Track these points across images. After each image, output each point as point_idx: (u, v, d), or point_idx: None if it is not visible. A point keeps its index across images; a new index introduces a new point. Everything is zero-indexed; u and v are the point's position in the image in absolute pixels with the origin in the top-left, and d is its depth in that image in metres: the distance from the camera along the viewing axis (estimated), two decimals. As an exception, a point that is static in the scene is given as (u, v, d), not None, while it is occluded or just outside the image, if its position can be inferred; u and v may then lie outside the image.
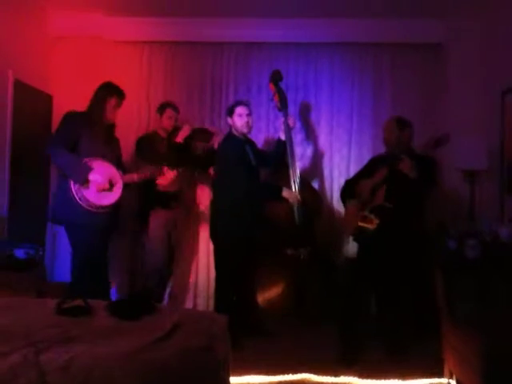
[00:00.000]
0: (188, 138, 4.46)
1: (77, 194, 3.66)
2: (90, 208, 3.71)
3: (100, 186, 3.71)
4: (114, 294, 4.81)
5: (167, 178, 4.04)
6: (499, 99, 4.48)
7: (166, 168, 4.01)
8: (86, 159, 3.74)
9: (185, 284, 5.01)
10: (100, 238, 3.87)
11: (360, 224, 3.77)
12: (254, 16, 4.96)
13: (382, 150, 4.30)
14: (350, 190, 4.07)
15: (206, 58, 5.17)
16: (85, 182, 3.67)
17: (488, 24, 4.74)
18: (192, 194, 5.02)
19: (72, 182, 3.67)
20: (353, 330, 3.84)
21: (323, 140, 5.11)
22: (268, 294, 4.34)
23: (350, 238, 4.49)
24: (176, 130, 4.54)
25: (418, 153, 3.90)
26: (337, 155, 5.09)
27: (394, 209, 3.70)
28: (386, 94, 5.07)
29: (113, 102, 3.92)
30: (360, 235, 3.89)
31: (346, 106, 5.10)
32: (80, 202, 3.67)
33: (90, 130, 3.82)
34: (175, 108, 4.60)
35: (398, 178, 3.67)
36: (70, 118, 3.83)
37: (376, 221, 3.70)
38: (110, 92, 3.93)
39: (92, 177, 3.68)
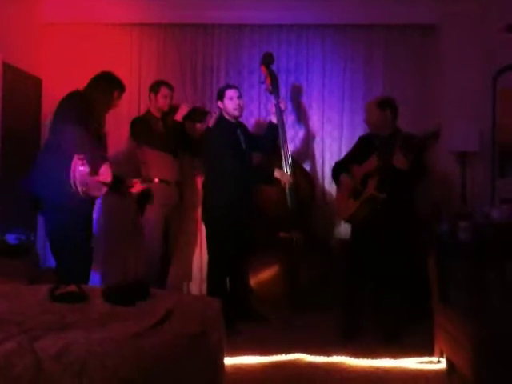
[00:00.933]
0: (184, 119, 4.33)
1: (79, 175, 3.47)
2: (76, 192, 3.51)
3: (104, 178, 3.58)
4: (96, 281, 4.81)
5: (135, 189, 4.00)
6: (491, 82, 4.49)
7: (137, 181, 3.98)
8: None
9: (182, 270, 5.01)
10: (83, 222, 3.76)
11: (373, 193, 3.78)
12: (244, -2, 4.92)
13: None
14: (341, 171, 4.07)
15: (196, 41, 5.11)
16: (96, 171, 3.54)
17: (481, 7, 4.72)
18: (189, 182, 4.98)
19: (79, 164, 3.47)
20: (352, 310, 3.97)
21: (315, 122, 5.09)
22: (260, 277, 4.35)
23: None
24: (172, 110, 4.39)
25: (405, 133, 3.90)
26: (328, 137, 5.08)
27: (387, 198, 3.72)
28: (379, 76, 5.05)
29: (115, 94, 3.87)
30: (354, 220, 3.93)
31: (338, 88, 5.08)
32: (73, 184, 3.47)
33: (94, 119, 3.72)
34: (170, 86, 4.40)
35: (391, 170, 3.68)
36: (83, 100, 3.66)
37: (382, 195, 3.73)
38: (114, 85, 3.87)
39: (103, 169, 3.55)
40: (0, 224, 4.05)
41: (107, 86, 3.83)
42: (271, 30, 5.10)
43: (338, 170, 4.11)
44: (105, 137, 3.94)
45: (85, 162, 3.47)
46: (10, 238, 3.63)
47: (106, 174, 3.57)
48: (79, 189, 3.48)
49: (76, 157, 3.46)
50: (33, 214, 4.60)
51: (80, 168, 3.48)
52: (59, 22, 5.05)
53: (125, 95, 4.97)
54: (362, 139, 4.17)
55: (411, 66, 5.03)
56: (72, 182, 3.45)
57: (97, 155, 3.56)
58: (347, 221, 4.10)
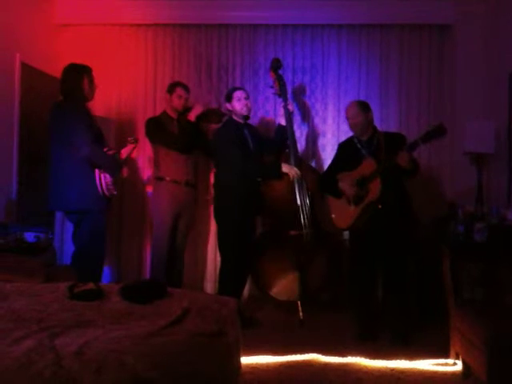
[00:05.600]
0: (200, 120, 4.40)
1: (105, 185, 3.86)
2: (110, 196, 3.96)
3: (125, 175, 4.13)
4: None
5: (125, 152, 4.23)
6: (507, 81, 4.45)
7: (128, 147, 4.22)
8: (105, 149, 3.95)
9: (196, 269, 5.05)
10: (105, 221, 4.10)
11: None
12: (259, -2, 4.93)
13: (386, 130, 4.32)
14: (330, 182, 4.04)
15: (211, 41, 5.14)
16: (118, 176, 4.00)
17: (496, 6, 4.69)
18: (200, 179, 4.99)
19: (102, 175, 3.85)
20: (365, 311, 3.95)
21: (331, 122, 5.10)
22: (278, 283, 4.31)
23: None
24: (187, 110, 4.47)
25: (383, 131, 4.05)
26: (344, 137, 5.01)
27: (389, 197, 3.74)
28: (393, 75, 5.05)
29: (86, 80, 3.96)
30: (356, 225, 3.91)
31: (353, 87, 5.08)
32: (106, 192, 3.88)
33: (91, 117, 3.98)
34: (186, 88, 4.48)
35: (392, 171, 3.69)
36: (84, 110, 3.91)
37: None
38: (81, 71, 3.98)
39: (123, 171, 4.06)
40: (18, 222, 4.11)
41: (73, 75, 3.94)
42: (286, 30, 5.11)
43: (327, 181, 4.10)
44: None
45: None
46: (29, 236, 3.67)
47: (126, 172, 4.08)
48: (106, 193, 3.89)
49: (97, 170, 3.84)
50: (50, 212, 4.65)
51: (104, 179, 3.86)
52: (74, 22, 5.11)
53: (140, 95, 5.08)
54: (342, 146, 4.19)
55: (426, 65, 5.01)
56: (100, 189, 3.84)
57: (116, 161, 3.98)
58: (348, 228, 4.04)
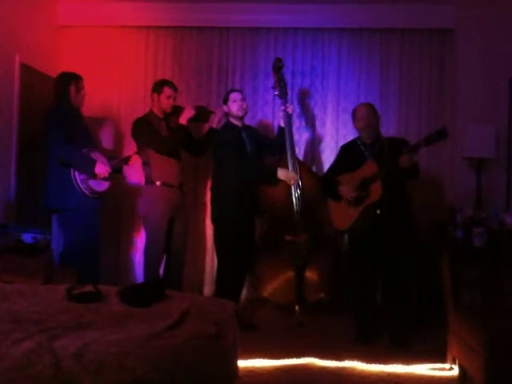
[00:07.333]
0: (189, 121, 4.28)
1: (81, 184, 3.93)
2: (90, 194, 3.99)
3: (102, 175, 3.99)
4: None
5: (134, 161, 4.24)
6: (507, 86, 4.47)
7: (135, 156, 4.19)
8: (84, 150, 3.98)
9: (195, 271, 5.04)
10: (96, 220, 4.17)
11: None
12: (260, 1, 4.92)
13: (385, 135, 4.32)
14: (331, 185, 4.03)
15: (212, 44, 5.14)
16: (94, 175, 3.93)
17: (497, 11, 4.71)
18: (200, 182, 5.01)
19: (76, 173, 3.92)
20: (364, 314, 3.95)
21: (330, 125, 5.10)
22: (272, 285, 4.31)
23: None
24: (176, 111, 4.30)
25: (387, 137, 4.08)
26: (343, 140, 5.04)
27: (388, 200, 3.74)
28: (394, 80, 5.04)
29: (72, 85, 4.07)
30: (355, 227, 3.91)
31: (353, 91, 5.08)
32: (84, 191, 3.94)
33: (73, 120, 4.03)
34: (174, 86, 4.29)
35: (394, 174, 3.70)
36: (59, 113, 4.00)
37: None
38: (67, 78, 4.11)
39: (97, 169, 3.93)
40: (16, 223, 4.11)
41: (61, 82, 4.12)
42: (287, 33, 5.12)
43: (328, 183, 4.10)
44: (88, 126, 4.26)
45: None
46: (27, 237, 3.68)
47: (102, 171, 3.97)
48: (85, 192, 3.95)
49: (72, 169, 3.93)
50: (47, 214, 4.65)
51: (79, 177, 3.93)
52: (75, 24, 5.12)
53: (140, 98, 5.07)
54: (345, 148, 4.18)
55: (427, 69, 5.02)
56: (77, 187, 3.90)
57: (92, 161, 3.95)
58: (347, 230, 4.04)
